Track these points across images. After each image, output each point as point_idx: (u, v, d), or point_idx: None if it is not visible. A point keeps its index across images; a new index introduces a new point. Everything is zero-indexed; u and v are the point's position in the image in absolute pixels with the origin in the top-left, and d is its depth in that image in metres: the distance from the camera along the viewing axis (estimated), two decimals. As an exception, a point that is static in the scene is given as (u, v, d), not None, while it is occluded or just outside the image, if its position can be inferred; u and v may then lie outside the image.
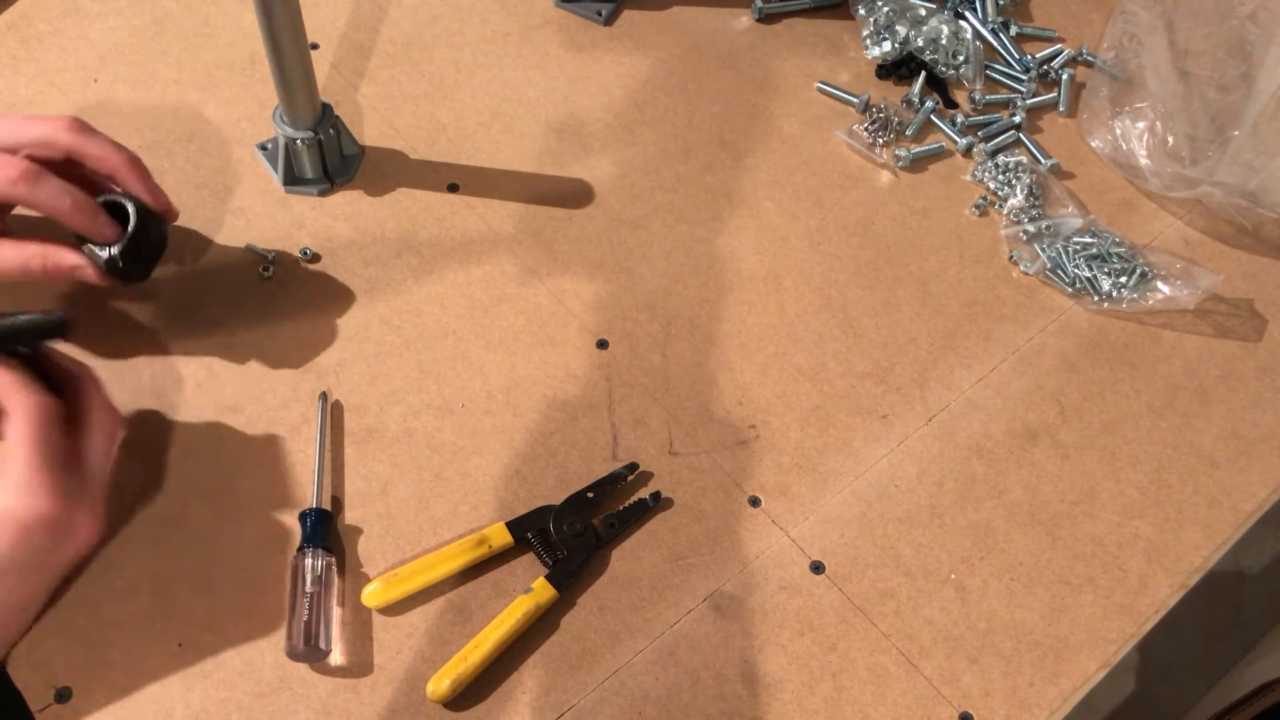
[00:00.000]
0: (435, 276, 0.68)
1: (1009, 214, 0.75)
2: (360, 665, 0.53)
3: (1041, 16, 0.91)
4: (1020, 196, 0.75)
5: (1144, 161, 0.77)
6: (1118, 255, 0.73)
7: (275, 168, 0.71)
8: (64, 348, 0.56)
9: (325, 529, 0.56)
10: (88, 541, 0.48)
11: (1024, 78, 0.84)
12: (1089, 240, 0.73)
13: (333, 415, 0.61)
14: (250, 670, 0.52)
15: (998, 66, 0.85)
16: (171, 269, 0.66)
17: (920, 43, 0.83)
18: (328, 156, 0.70)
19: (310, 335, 0.64)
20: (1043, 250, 0.73)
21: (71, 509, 0.47)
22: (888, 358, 0.68)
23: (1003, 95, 0.83)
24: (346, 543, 0.57)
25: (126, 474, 0.57)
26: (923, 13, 0.85)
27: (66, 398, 0.51)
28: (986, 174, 0.78)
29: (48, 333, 0.52)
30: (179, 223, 0.68)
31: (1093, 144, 0.81)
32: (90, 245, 0.57)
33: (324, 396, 0.61)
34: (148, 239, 0.58)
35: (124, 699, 0.51)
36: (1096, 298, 0.71)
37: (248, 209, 0.69)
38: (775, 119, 0.80)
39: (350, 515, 0.58)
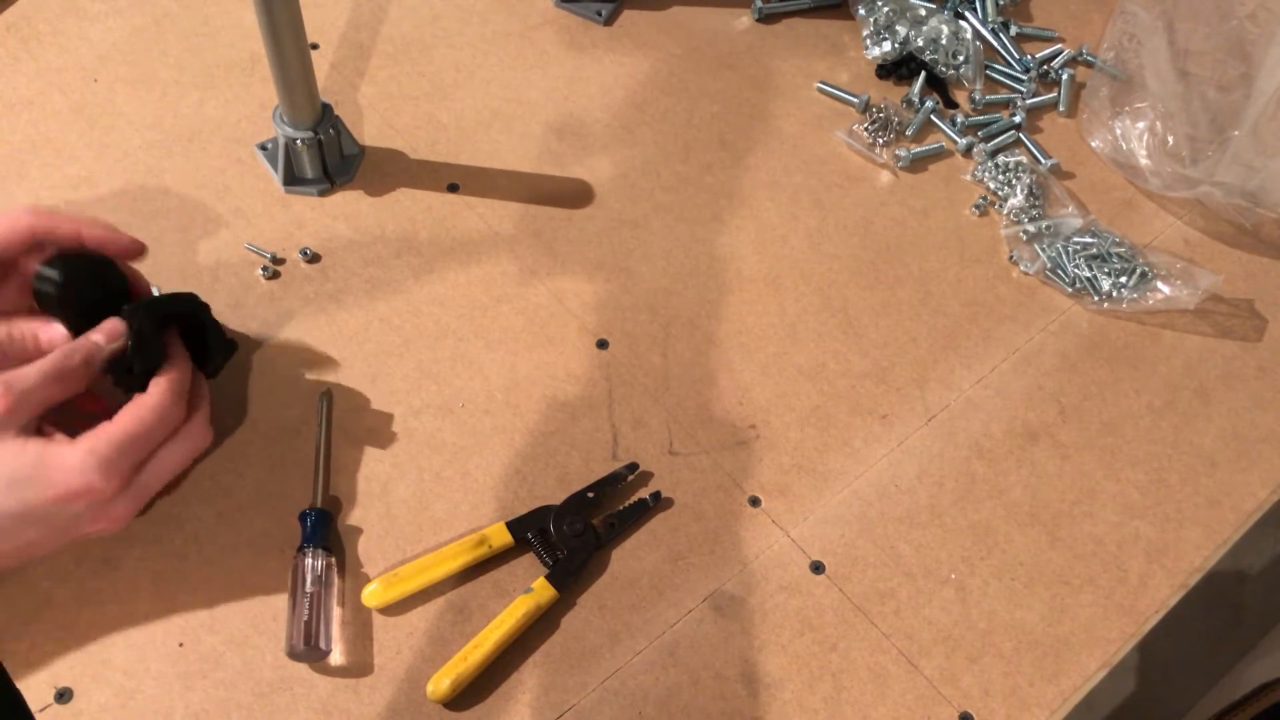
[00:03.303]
0: (435, 276, 0.68)
1: (1009, 214, 0.75)
2: (360, 665, 0.53)
3: (1041, 16, 0.91)
4: (1020, 196, 0.75)
5: (1144, 161, 0.77)
6: (1118, 255, 0.73)
7: (275, 168, 0.71)
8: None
9: (325, 529, 0.56)
10: (113, 527, 0.49)
11: (1024, 78, 0.84)
12: (1089, 240, 0.73)
13: (333, 415, 0.61)
14: (250, 670, 0.52)
15: (998, 66, 0.85)
16: (172, 268, 0.66)
17: (920, 43, 0.83)
18: (328, 156, 0.70)
19: (310, 335, 0.64)
20: (1043, 250, 0.73)
21: (118, 495, 0.47)
22: (888, 358, 0.68)
23: (1003, 95, 0.83)
24: (346, 543, 0.57)
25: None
26: (923, 13, 0.85)
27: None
28: (986, 174, 0.78)
29: (226, 352, 0.56)
30: (181, 225, 0.68)
31: (1093, 144, 0.81)
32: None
33: (324, 396, 0.61)
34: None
35: (124, 699, 0.51)
36: (1096, 298, 0.71)
37: (248, 209, 0.69)
38: (775, 119, 0.80)
39: (350, 515, 0.58)
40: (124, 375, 0.51)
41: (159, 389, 0.50)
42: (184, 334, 0.54)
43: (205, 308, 0.55)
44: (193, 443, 0.52)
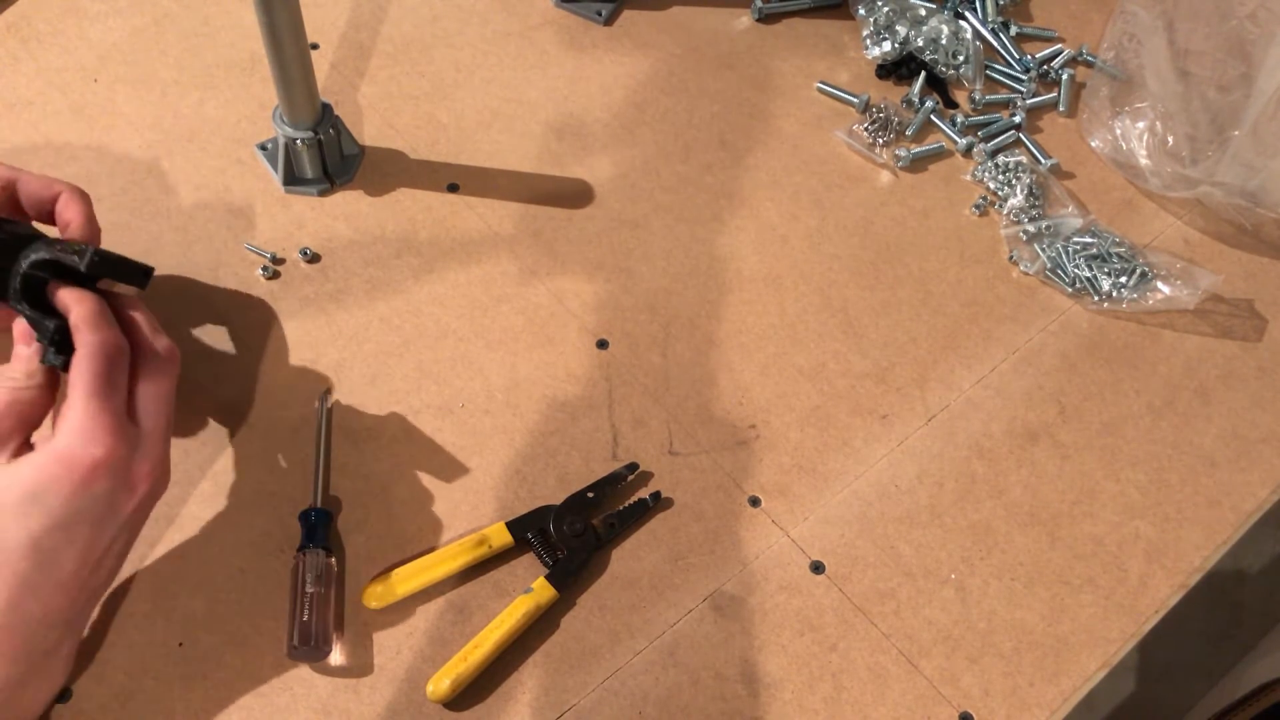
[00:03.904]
0: (435, 276, 0.68)
1: (1009, 214, 0.75)
2: (360, 665, 0.53)
3: (1041, 16, 0.91)
4: (1020, 196, 0.75)
5: (1144, 161, 0.77)
6: (1118, 255, 0.73)
7: (275, 168, 0.71)
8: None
9: (325, 529, 0.56)
10: (152, 490, 0.47)
11: (1024, 78, 0.84)
12: (1089, 240, 0.73)
13: (333, 415, 0.61)
14: (250, 670, 0.52)
15: (998, 66, 0.85)
16: (171, 269, 0.66)
17: (920, 43, 0.83)
18: (328, 156, 0.70)
19: (310, 335, 0.64)
20: (1043, 250, 0.73)
21: (130, 453, 0.45)
22: (888, 358, 0.68)
23: (1003, 95, 0.83)
24: (346, 543, 0.57)
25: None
26: (923, 13, 0.85)
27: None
28: (986, 174, 0.78)
29: (134, 276, 0.50)
30: (180, 225, 0.68)
31: (1093, 144, 0.81)
32: None
33: (324, 396, 0.61)
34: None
35: (124, 699, 0.51)
36: (1096, 298, 0.71)
37: (248, 209, 0.69)
38: (775, 119, 0.80)
39: (350, 515, 0.58)
40: (56, 356, 0.48)
41: (78, 334, 0.46)
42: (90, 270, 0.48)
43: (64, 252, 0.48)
44: (156, 365, 0.48)
